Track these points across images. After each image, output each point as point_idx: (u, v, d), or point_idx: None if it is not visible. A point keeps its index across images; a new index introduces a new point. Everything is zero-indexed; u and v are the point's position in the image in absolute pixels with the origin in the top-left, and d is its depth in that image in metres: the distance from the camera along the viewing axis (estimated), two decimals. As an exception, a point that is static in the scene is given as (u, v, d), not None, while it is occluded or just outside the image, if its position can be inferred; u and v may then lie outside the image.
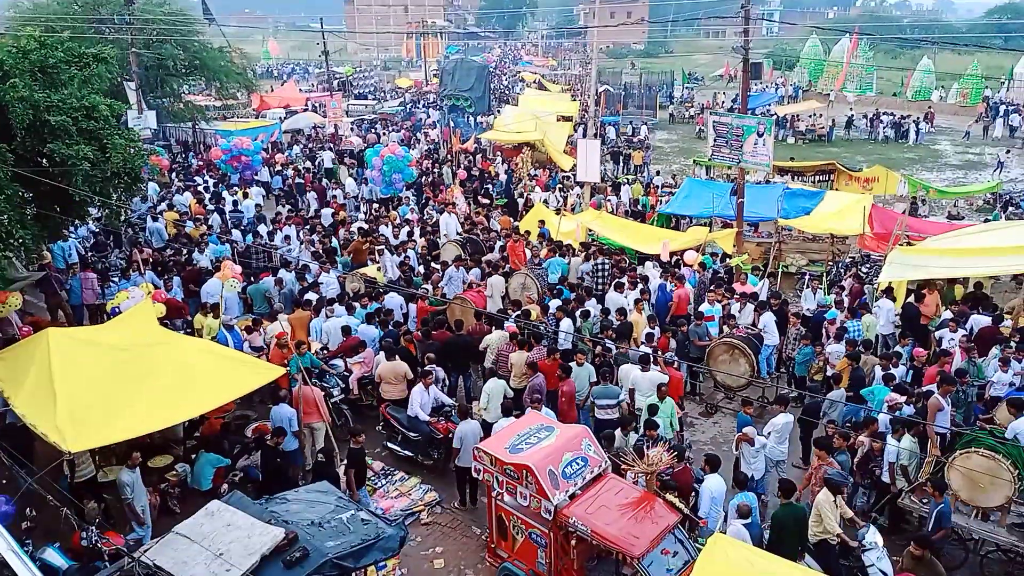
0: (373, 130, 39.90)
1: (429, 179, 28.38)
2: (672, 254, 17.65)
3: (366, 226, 20.71)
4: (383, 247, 17.87)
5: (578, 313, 13.86)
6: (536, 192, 26.32)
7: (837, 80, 47.89)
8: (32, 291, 15.47)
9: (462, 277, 16.43)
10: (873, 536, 8.71)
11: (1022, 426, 9.89)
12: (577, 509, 8.18)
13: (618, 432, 10.45)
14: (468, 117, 39.32)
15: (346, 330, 13.45)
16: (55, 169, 11.76)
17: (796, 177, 26.21)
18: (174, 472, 10.78)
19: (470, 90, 40.32)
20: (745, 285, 15.74)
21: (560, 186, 27.38)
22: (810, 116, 45.33)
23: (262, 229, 20.30)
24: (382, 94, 60.09)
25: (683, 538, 8.26)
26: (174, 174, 28.19)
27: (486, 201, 25.65)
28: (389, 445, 12.12)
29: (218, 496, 8.78)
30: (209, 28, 37.12)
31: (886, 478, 9.99)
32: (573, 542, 8.25)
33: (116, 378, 9.77)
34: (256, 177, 27.64)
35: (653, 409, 10.73)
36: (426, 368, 11.98)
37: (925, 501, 9.32)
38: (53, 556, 8.20)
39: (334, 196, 25.32)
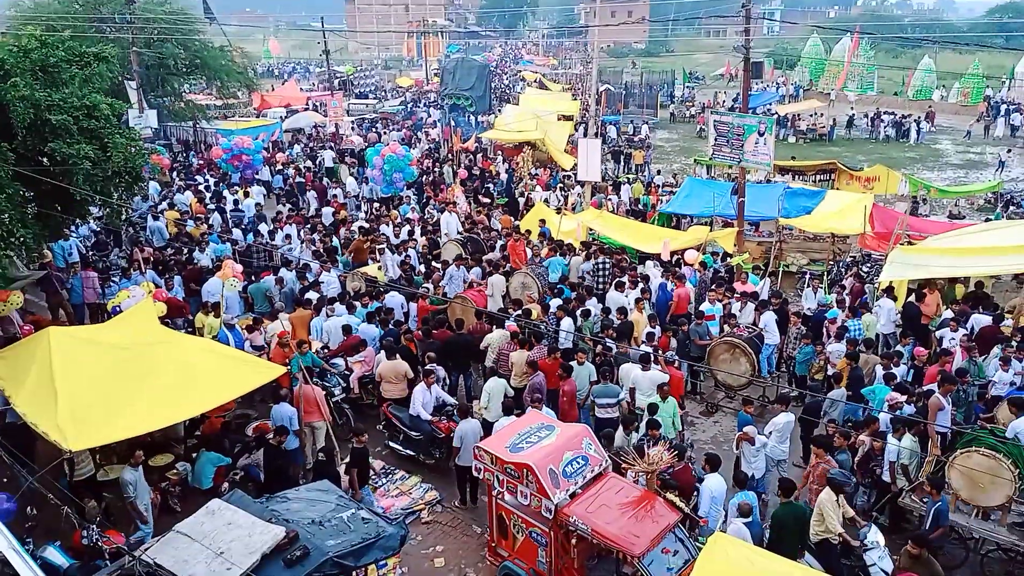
0: (374, 129, 39.91)
1: (430, 178, 28.38)
2: (673, 253, 17.65)
3: (367, 225, 20.72)
4: (384, 246, 17.87)
5: (579, 312, 13.86)
6: (537, 191, 26.32)
7: (838, 79, 47.93)
8: (33, 290, 15.48)
9: (463, 276, 16.43)
10: (875, 536, 8.72)
11: (1023, 425, 9.88)
12: (578, 508, 8.18)
13: (620, 431, 10.45)
14: (469, 116, 39.32)
15: (347, 329, 13.46)
16: (56, 168, 11.75)
17: (797, 176, 26.22)
18: (175, 471, 10.79)
19: (471, 89, 40.31)
20: (746, 284, 15.74)
21: (561, 185, 27.38)
22: (811, 115, 45.30)
23: (263, 228, 20.31)
24: (383, 93, 60.07)
25: (683, 537, 8.26)
26: (175, 173, 28.21)
27: (487, 200, 25.66)
28: (391, 444, 12.13)
29: (219, 495, 8.79)
30: (210, 27, 37.18)
31: (887, 477, 9.99)
32: (574, 541, 8.25)
33: (117, 377, 9.78)
34: (257, 176, 27.65)
35: (653, 408, 10.73)
36: (428, 367, 11.98)
37: (925, 500, 9.32)
38: (54, 555, 8.21)
39: (334, 195, 25.32)
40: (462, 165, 30.33)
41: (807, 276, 17.83)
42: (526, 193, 26.43)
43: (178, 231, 20.17)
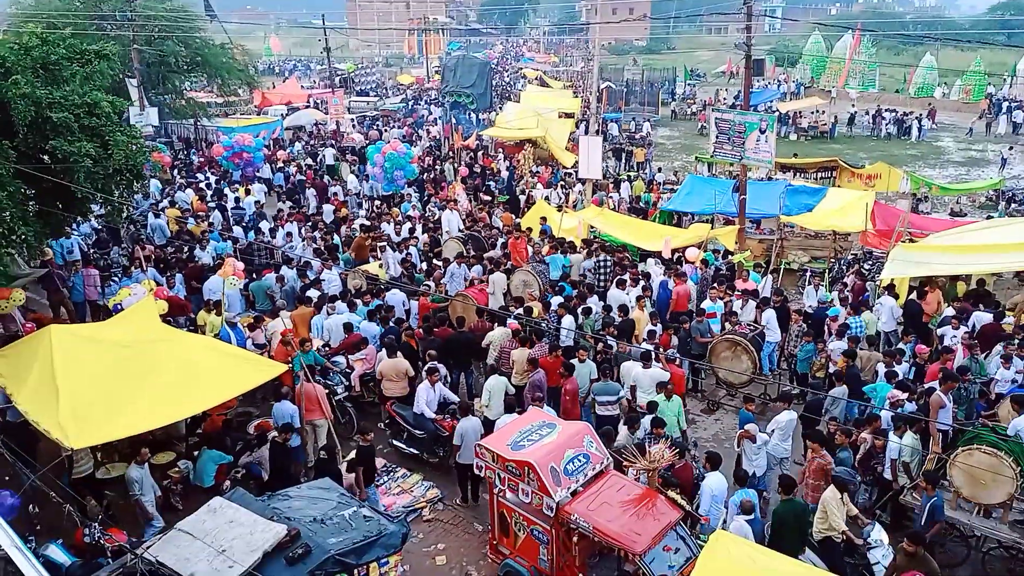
0: (375, 127, 39.89)
1: (431, 176, 28.38)
2: (674, 251, 17.64)
3: (368, 223, 20.73)
4: (385, 244, 17.87)
5: (580, 310, 13.86)
6: (538, 189, 26.31)
7: (840, 77, 47.81)
8: (35, 288, 15.50)
9: (464, 274, 16.44)
10: (879, 534, 8.73)
11: (1024, 423, 9.87)
12: (579, 506, 8.18)
13: (624, 429, 10.45)
14: (470, 114, 39.30)
15: (348, 327, 13.46)
16: (57, 166, 11.75)
17: (798, 174, 26.18)
18: (176, 469, 10.80)
19: (472, 86, 40.30)
20: (747, 282, 15.73)
21: (562, 183, 27.36)
22: (812, 113, 45.25)
23: (264, 226, 20.33)
24: (384, 91, 60.03)
25: (685, 535, 8.27)
26: (176, 171, 28.22)
27: (488, 198, 25.65)
28: (394, 443, 12.14)
29: (220, 493, 8.80)
30: (211, 25, 37.12)
31: (888, 475, 9.99)
32: (575, 539, 8.26)
33: (118, 375, 9.78)
34: (258, 174, 27.64)
35: (652, 406, 10.75)
36: (433, 365, 11.97)
37: (920, 496, 9.32)
38: (56, 553, 8.22)
39: (335, 193, 25.31)
40: (463, 163, 30.32)
41: (808, 274, 17.81)
42: (527, 191, 26.43)
43: (179, 229, 20.17)
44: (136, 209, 20.63)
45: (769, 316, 13.86)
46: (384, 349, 12.60)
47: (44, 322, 12.70)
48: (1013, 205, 25.35)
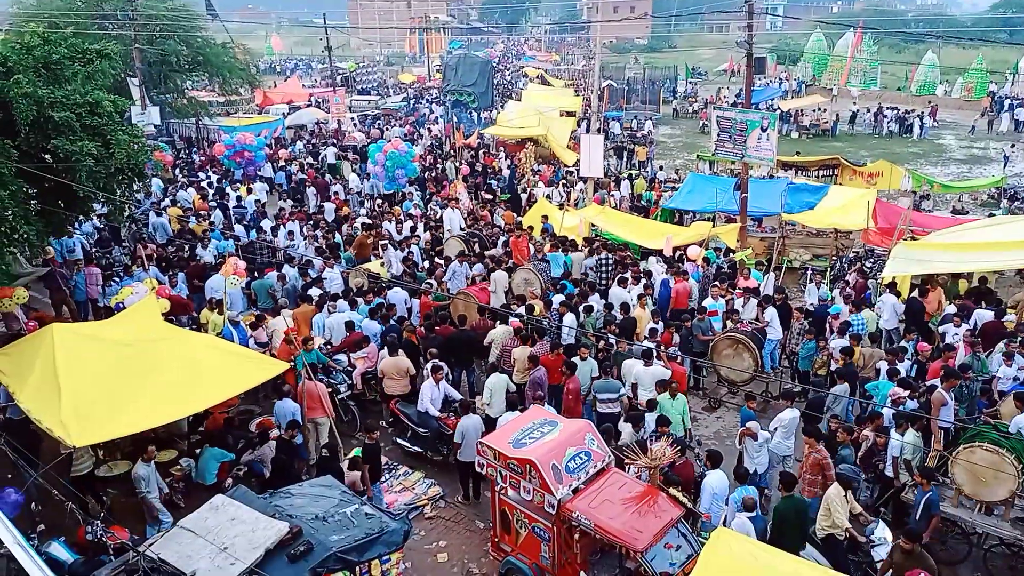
0: (376, 125, 39.88)
1: (432, 174, 28.39)
2: (675, 249, 17.63)
3: (369, 221, 20.74)
4: (387, 242, 17.89)
5: (581, 308, 13.87)
6: (539, 187, 26.31)
7: (841, 75, 47.69)
8: (37, 286, 15.52)
9: (465, 272, 16.44)
10: (882, 531, 8.73)
11: (1026, 420, 9.87)
12: (580, 503, 8.19)
13: (629, 428, 10.45)
14: (471, 112, 39.29)
15: (350, 325, 13.48)
16: (59, 165, 11.77)
17: (800, 172, 26.16)
18: (178, 467, 10.83)
19: (473, 85, 40.28)
20: (748, 280, 15.72)
21: (563, 181, 27.36)
22: (814, 111, 45.22)
23: (266, 224, 20.35)
24: (385, 89, 60.05)
25: (686, 532, 8.27)
26: (178, 170, 28.24)
27: (489, 196, 25.66)
28: (398, 441, 12.15)
29: (222, 490, 8.81)
30: (212, 24, 37.17)
31: (889, 472, 9.99)
32: (576, 536, 8.26)
33: (120, 373, 9.80)
34: (259, 173, 27.66)
35: (652, 404, 10.76)
36: (438, 363, 11.97)
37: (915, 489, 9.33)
38: (58, 550, 8.24)
39: (335, 192, 25.31)
40: (465, 161, 30.32)
41: (810, 272, 17.81)
42: (529, 189, 26.43)
43: (181, 228, 20.20)
44: (138, 208, 20.66)
45: (771, 314, 13.87)
46: (385, 347, 12.61)
47: (46, 321, 12.72)
48: (1015, 203, 25.30)
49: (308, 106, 44.15)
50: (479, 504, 10.89)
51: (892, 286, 14.60)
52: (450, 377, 12.90)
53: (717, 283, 15.31)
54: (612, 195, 25.20)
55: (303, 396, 11.14)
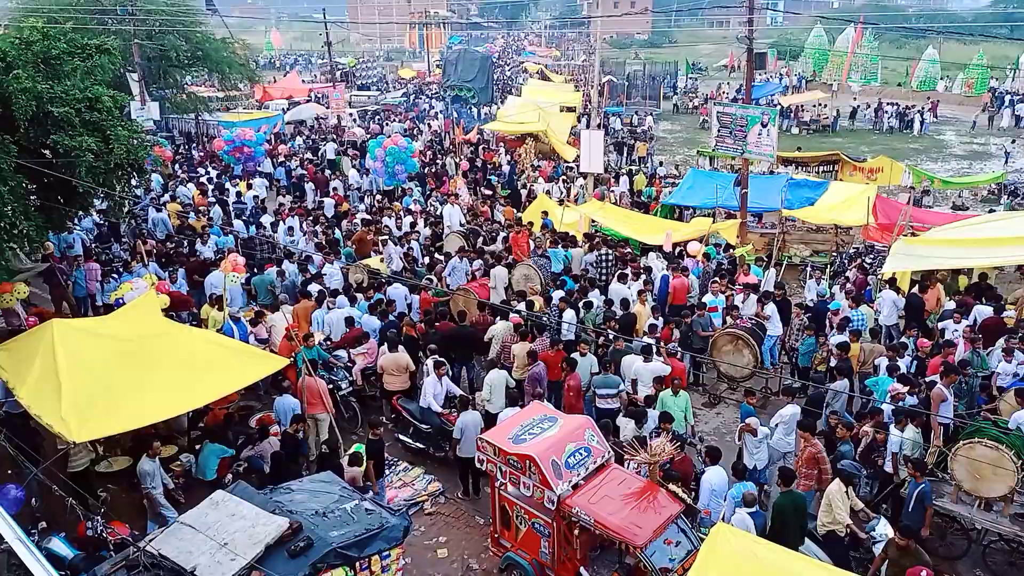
0: (376, 121, 39.83)
1: (432, 170, 28.36)
2: (675, 245, 17.63)
3: (369, 217, 20.72)
4: (387, 238, 17.88)
5: (581, 304, 13.87)
6: (539, 183, 26.29)
7: (842, 70, 47.66)
8: (36, 282, 15.52)
9: (465, 268, 16.43)
10: (883, 528, 8.73)
11: (1025, 416, 9.87)
12: (580, 499, 8.20)
13: (632, 424, 10.45)
14: (471, 108, 39.26)
15: (350, 321, 13.48)
16: (58, 160, 11.76)
17: (800, 167, 26.15)
18: (179, 462, 10.84)
19: (473, 80, 40.24)
20: (748, 276, 15.72)
21: (563, 177, 27.33)
22: (814, 106, 45.18)
23: (265, 220, 20.33)
24: (385, 85, 59.97)
25: (686, 528, 8.28)
26: (177, 165, 28.21)
27: (489, 192, 25.64)
28: (401, 437, 12.15)
29: (222, 486, 8.82)
30: (212, 19, 37.12)
31: (889, 468, 10.00)
32: (576, 532, 8.27)
33: (121, 369, 9.80)
34: (259, 168, 27.64)
35: (649, 400, 10.77)
36: (440, 359, 11.96)
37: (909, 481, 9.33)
38: (59, 546, 8.25)
39: (335, 188, 25.30)
40: (464, 157, 30.30)
41: (809, 268, 17.81)
42: (529, 185, 26.41)
43: (180, 223, 20.19)
44: (137, 204, 20.64)
45: (771, 310, 13.86)
46: (385, 343, 12.61)
47: (46, 316, 12.73)
48: (1016, 199, 25.29)
49: (308, 102, 44.08)
50: (479, 500, 10.90)
51: (892, 282, 14.59)
52: (450, 373, 12.92)
53: (717, 279, 15.30)
54: (612, 191, 25.16)
55: (303, 392, 11.14)
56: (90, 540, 8.25)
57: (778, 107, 36.10)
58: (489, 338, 13.12)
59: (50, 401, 9.03)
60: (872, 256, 17.95)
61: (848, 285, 15.20)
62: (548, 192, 24.30)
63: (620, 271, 15.57)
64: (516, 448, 8.55)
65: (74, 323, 11.57)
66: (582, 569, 8.40)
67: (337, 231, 19.42)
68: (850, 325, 12.99)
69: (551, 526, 8.45)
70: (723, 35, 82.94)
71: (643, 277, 15.21)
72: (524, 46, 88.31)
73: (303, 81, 54.50)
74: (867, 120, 44.87)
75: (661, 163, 31.62)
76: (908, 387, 10.73)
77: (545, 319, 13.40)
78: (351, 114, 39.83)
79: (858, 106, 45.72)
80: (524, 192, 25.62)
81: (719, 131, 19.70)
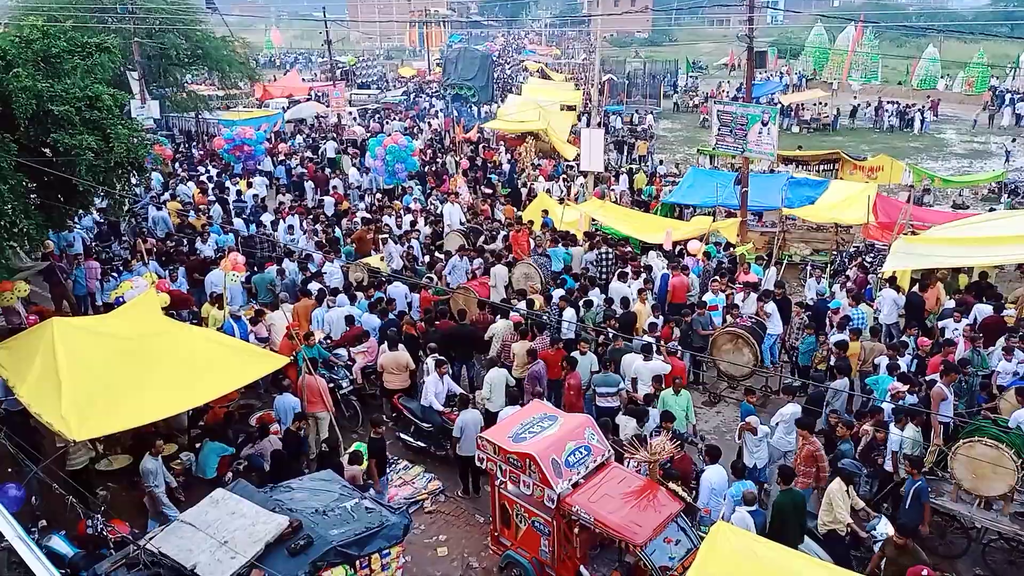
0: (376, 119, 39.82)
1: (432, 169, 28.35)
2: (676, 243, 17.62)
3: (369, 216, 20.72)
4: (387, 237, 17.88)
5: (581, 303, 13.86)
6: (540, 182, 26.28)
7: (842, 69, 47.62)
8: (37, 281, 15.52)
9: (465, 267, 16.43)
10: (884, 527, 8.72)
11: (1025, 415, 9.87)
12: (580, 497, 8.20)
13: (633, 423, 10.45)
14: (471, 106, 39.24)
15: (350, 319, 13.48)
16: (58, 159, 11.76)
17: (800, 166, 26.15)
18: (179, 461, 10.83)
19: (473, 79, 40.24)
20: (748, 274, 15.71)
21: (564, 176, 27.33)
22: (815, 105, 45.16)
23: (265, 219, 20.33)
24: (385, 83, 59.94)
25: (686, 526, 8.29)
26: (177, 164, 28.21)
27: (489, 191, 25.63)
28: (402, 436, 12.15)
29: (223, 485, 8.83)
30: (212, 17, 37.10)
31: (889, 467, 10.00)
32: (576, 530, 8.28)
33: (121, 367, 9.81)
34: (259, 167, 27.64)
35: (648, 399, 10.78)
36: (442, 358, 11.97)
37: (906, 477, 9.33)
38: (59, 544, 8.26)
39: (335, 186, 25.29)
40: (465, 155, 30.28)
41: (810, 266, 17.81)
42: (529, 183, 26.40)
43: (180, 222, 20.19)
44: (137, 202, 20.64)
45: (771, 309, 13.86)
46: (385, 342, 12.61)
47: (46, 315, 12.73)
48: (1016, 197, 25.28)
49: (308, 100, 44.06)
50: (479, 498, 10.90)
51: (892, 281, 14.59)
52: (450, 372, 12.93)
53: (717, 278, 15.30)
54: (612, 189, 25.16)
55: (303, 390, 11.15)
56: (90, 538, 8.26)
57: (778, 106, 36.07)
58: (489, 337, 13.12)
59: (50, 399, 9.04)
60: (872, 255, 17.94)
61: (848, 284, 15.20)
62: (548, 191, 24.29)
63: (620, 270, 15.56)
64: (516, 447, 8.55)
65: (74, 321, 11.59)
66: (582, 567, 8.40)
67: (337, 229, 19.42)
68: (850, 324, 12.98)
69: (551, 524, 8.45)
70: (723, 33, 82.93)
71: (643, 276, 15.21)
72: (524, 44, 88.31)
73: (303, 80, 54.49)
74: (867, 119, 44.83)
75: (661, 162, 31.61)
76: (908, 386, 10.73)
77: (545, 318, 13.40)
78: (351, 112, 39.83)
79: (858, 105, 45.69)
80: (524, 191, 25.61)
81: (719, 130, 19.69)
